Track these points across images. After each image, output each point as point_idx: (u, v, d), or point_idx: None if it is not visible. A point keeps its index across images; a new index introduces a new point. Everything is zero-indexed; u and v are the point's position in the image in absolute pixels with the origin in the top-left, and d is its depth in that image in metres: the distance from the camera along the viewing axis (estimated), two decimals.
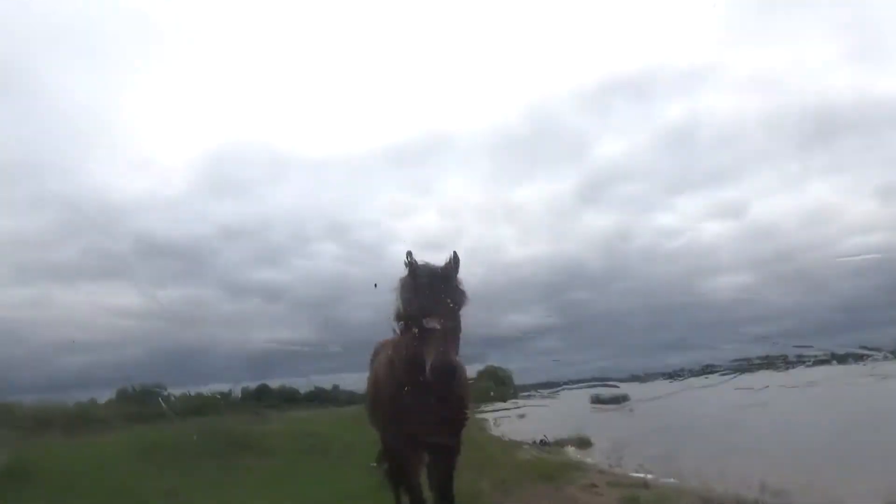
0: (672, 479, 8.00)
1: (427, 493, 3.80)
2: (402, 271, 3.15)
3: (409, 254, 3.06)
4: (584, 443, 13.14)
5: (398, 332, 3.21)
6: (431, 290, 2.92)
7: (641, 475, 8.10)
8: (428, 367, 2.68)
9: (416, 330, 2.84)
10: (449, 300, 2.94)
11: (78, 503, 7.01)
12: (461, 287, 3.06)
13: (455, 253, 3.10)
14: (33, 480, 7.81)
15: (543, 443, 13.92)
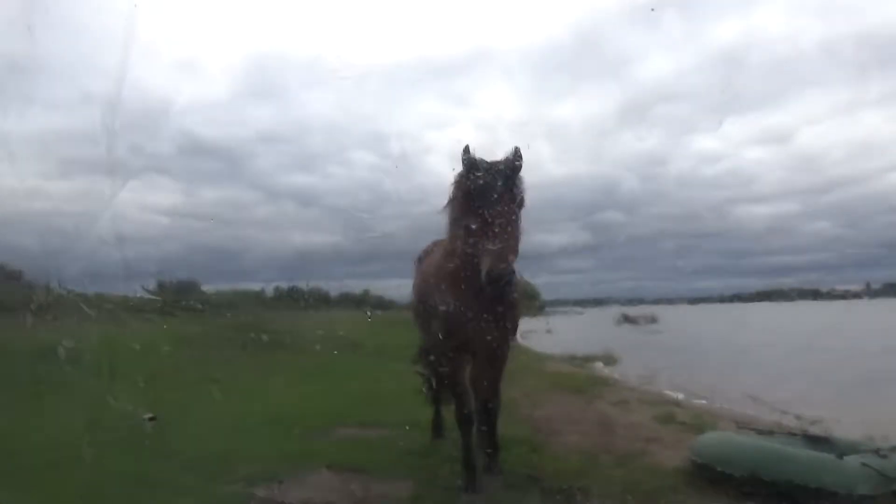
0: (703, 401, 7.96)
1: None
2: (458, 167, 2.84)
3: (467, 148, 2.78)
4: (611, 360, 13.30)
5: (452, 232, 2.96)
6: (492, 188, 2.63)
7: (672, 394, 8.05)
8: (484, 272, 2.45)
9: (474, 231, 2.59)
10: (510, 199, 2.67)
11: (127, 384, 7.38)
12: (522, 186, 2.77)
13: (517, 148, 2.79)
14: (85, 362, 8.27)
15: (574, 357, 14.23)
